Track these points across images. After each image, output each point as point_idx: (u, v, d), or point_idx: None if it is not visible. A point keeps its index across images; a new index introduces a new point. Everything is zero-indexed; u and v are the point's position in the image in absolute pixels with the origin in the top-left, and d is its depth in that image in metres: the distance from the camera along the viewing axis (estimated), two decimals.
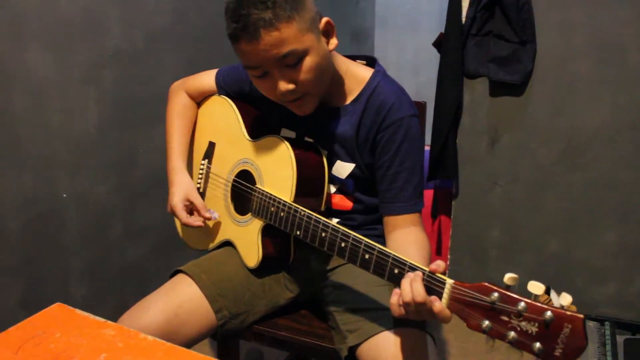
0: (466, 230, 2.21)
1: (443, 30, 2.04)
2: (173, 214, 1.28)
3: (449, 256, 2.26)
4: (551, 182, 2.06)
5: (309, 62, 1.06)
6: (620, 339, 1.93)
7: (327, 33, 1.11)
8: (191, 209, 1.29)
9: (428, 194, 2.27)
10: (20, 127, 1.54)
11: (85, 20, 1.66)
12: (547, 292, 2.03)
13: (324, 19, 1.10)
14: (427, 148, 2.01)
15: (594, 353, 1.87)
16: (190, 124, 1.39)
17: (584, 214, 2.05)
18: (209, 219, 1.28)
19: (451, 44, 2.00)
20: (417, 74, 3.40)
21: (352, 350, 1.12)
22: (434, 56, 2.13)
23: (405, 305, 0.90)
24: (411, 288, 0.89)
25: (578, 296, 2.10)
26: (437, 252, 2.36)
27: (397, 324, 1.10)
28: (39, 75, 1.57)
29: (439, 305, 0.87)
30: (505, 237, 2.17)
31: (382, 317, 1.11)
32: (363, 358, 1.11)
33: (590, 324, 2.01)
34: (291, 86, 1.07)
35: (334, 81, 1.19)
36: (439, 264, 0.89)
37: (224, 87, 1.35)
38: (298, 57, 1.04)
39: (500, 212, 2.15)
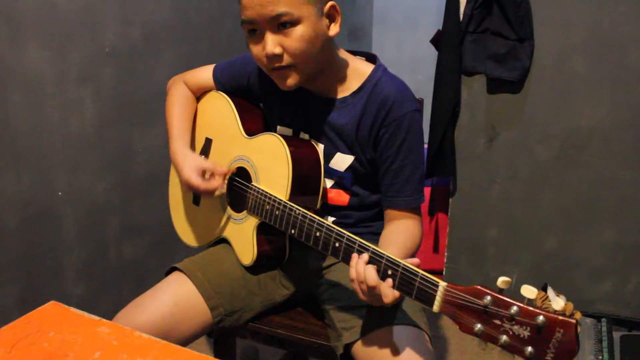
0: (464, 228, 2.21)
1: (441, 28, 2.03)
2: (190, 188, 1.22)
3: (446, 254, 2.26)
4: (549, 180, 2.06)
5: (300, 30, 1.07)
6: (616, 335, 1.94)
7: (331, 17, 1.12)
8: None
9: (425, 192, 2.27)
10: (16, 125, 1.54)
11: (82, 17, 1.65)
12: (544, 289, 2.03)
13: (331, 2, 1.11)
14: (424, 145, 2.01)
15: (591, 350, 1.87)
16: (190, 111, 1.38)
17: (581, 211, 2.05)
18: (226, 173, 1.24)
19: (449, 41, 2.00)
20: (415, 71, 3.39)
21: (348, 347, 1.13)
22: (432, 53, 2.13)
23: (359, 284, 0.96)
24: (364, 270, 0.95)
25: (575, 293, 2.10)
26: (434, 249, 2.36)
27: (392, 321, 1.10)
28: (36, 73, 1.56)
29: (386, 285, 0.93)
30: (503, 235, 2.17)
31: (377, 314, 1.11)
32: (359, 355, 1.11)
33: (587, 321, 2.01)
34: (278, 49, 1.08)
35: (334, 72, 1.19)
36: (413, 260, 0.94)
37: (221, 82, 1.35)
38: (291, 22, 1.06)
39: (498, 209, 2.14)
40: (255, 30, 1.09)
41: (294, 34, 1.07)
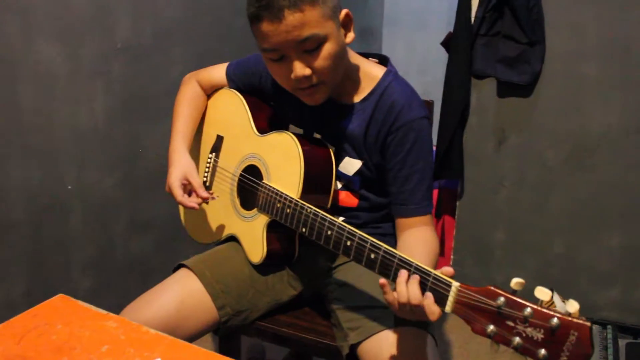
0: (470, 231, 2.20)
1: (452, 30, 2.03)
2: (170, 192, 1.24)
3: (452, 257, 2.25)
4: (557, 184, 2.05)
5: (327, 49, 1.05)
6: (622, 342, 1.92)
7: (346, 25, 1.11)
8: (190, 191, 1.26)
9: (433, 194, 2.26)
10: (27, 119, 1.55)
11: (94, 13, 1.66)
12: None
13: (344, 11, 1.10)
14: (433, 148, 2.00)
15: (596, 357, 1.86)
16: (198, 112, 1.38)
17: (589, 216, 2.03)
18: (207, 198, 1.23)
19: (460, 43, 2.00)
20: (425, 73, 3.38)
21: (354, 348, 1.12)
22: (442, 56, 2.12)
23: (401, 306, 0.90)
24: (407, 289, 0.89)
25: (581, 299, 2.07)
26: (440, 252, 2.35)
27: (398, 323, 1.09)
28: (47, 67, 1.57)
29: (430, 301, 0.87)
30: (510, 239, 2.16)
31: (384, 315, 1.10)
32: (364, 356, 1.11)
33: (593, 327, 2.00)
34: (308, 71, 1.06)
35: (346, 77, 1.18)
36: (448, 270, 0.89)
37: (234, 80, 1.35)
38: (318, 43, 1.04)
39: (505, 213, 2.14)
40: (280, 57, 1.07)
41: (321, 54, 1.05)
